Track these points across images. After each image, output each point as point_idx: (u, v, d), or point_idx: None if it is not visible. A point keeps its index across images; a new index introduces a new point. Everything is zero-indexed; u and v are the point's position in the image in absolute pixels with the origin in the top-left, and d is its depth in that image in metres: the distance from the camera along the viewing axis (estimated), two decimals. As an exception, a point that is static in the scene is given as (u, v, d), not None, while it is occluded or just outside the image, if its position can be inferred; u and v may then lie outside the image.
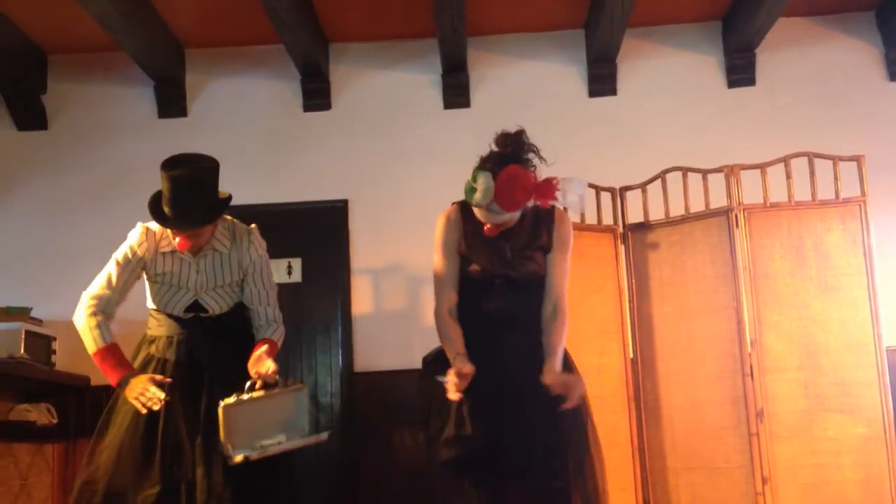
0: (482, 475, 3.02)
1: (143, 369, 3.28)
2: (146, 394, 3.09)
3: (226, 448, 3.04)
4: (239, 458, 3.03)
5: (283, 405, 3.17)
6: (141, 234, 3.34)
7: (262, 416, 3.11)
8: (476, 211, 3.08)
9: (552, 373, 3.03)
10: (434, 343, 3.25)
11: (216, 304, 3.32)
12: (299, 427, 3.18)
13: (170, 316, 3.33)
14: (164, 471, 3.11)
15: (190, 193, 3.15)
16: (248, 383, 3.13)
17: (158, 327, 3.35)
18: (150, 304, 3.38)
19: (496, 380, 3.04)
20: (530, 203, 3.05)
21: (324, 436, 3.26)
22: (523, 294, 3.14)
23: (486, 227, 3.08)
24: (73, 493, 3.22)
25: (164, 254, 3.32)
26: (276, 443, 3.11)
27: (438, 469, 3.05)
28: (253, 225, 3.49)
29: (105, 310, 3.31)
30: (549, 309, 3.17)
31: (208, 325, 3.30)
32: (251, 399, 3.10)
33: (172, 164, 3.16)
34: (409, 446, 3.28)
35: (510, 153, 3.03)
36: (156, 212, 3.21)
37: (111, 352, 3.24)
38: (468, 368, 2.90)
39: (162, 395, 3.10)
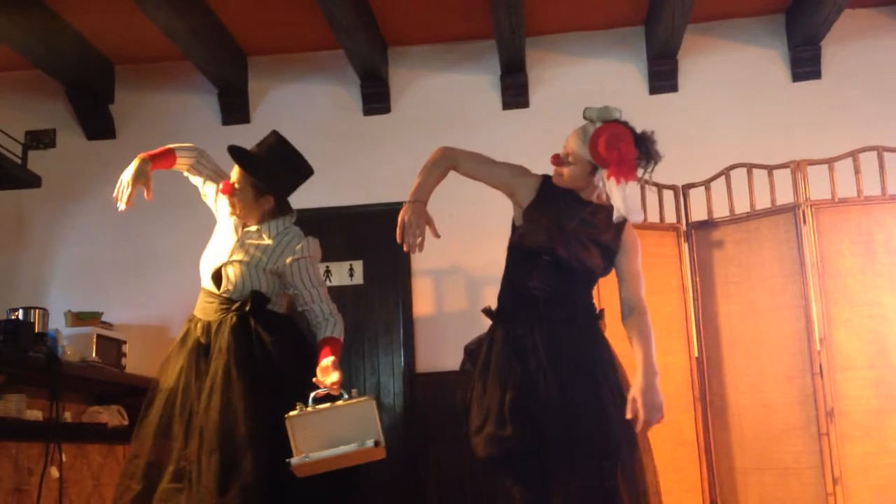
0: (524, 475, 2.96)
1: (182, 340, 3.35)
2: (128, 178, 3.28)
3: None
4: (288, 466, 3.02)
5: (349, 418, 3.09)
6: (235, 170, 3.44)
7: (327, 427, 3.05)
8: (572, 133, 3.05)
9: (642, 390, 2.94)
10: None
11: (233, 279, 3.30)
12: (368, 440, 3.07)
13: (204, 293, 3.38)
14: (180, 449, 3.16)
15: (272, 154, 3.31)
16: (312, 394, 3.11)
17: (197, 308, 3.41)
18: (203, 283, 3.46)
19: (540, 375, 2.97)
20: (604, 175, 2.97)
21: (369, 443, 3.05)
22: (567, 279, 3.06)
23: (553, 156, 3.06)
24: (123, 466, 3.34)
25: (226, 208, 3.40)
26: (327, 454, 3.03)
27: (479, 461, 3.01)
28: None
29: (198, 158, 3.47)
30: (625, 312, 3.12)
31: (226, 309, 3.29)
32: (315, 410, 3.07)
33: (283, 137, 3.39)
34: (471, 445, 3.30)
35: (638, 133, 3.04)
36: (237, 146, 3.33)
37: (169, 153, 3.42)
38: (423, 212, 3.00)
39: (125, 195, 3.26)
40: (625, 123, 3.02)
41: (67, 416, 4.75)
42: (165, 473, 3.14)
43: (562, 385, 2.96)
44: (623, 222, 3.12)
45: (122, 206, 3.30)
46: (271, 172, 3.32)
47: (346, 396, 3.12)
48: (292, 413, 3.05)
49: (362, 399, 3.12)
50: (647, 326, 3.08)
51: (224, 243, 3.37)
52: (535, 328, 3.02)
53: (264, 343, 3.24)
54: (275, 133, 3.38)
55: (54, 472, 4.37)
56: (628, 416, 2.94)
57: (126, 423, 5.16)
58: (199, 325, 3.34)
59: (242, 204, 3.34)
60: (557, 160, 3.08)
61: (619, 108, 3.05)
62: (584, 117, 3.05)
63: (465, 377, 3.13)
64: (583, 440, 2.91)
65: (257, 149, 3.35)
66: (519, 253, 3.12)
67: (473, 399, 3.03)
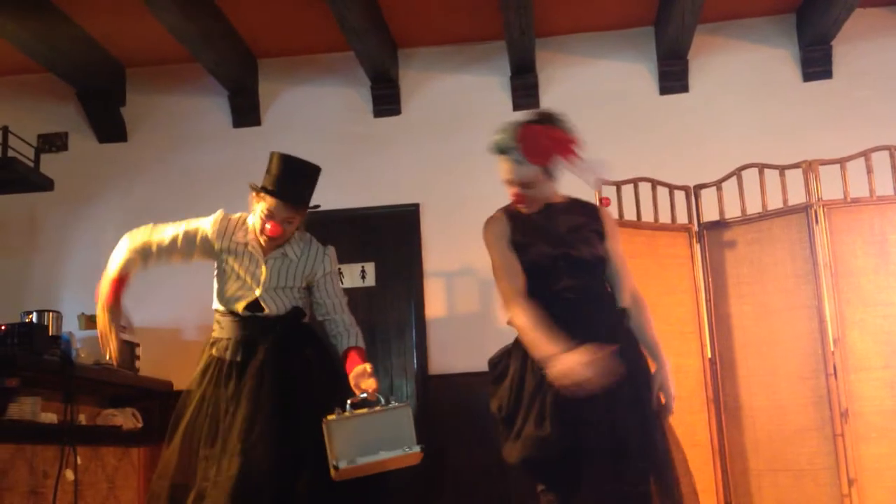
0: (558, 477, 2.95)
1: (203, 372, 3.36)
2: (105, 336, 3.34)
3: (329, 462, 3.07)
4: (335, 469, 3.04)
5: (385, 424, 3.14)
6: (217, 217, 3.45)
7: (364, 432, 3.09)
8: (502, 167, 3.07)
9: (667, 376, 3.09)
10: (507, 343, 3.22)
11: (274, 305, 3.35)
12: (402, 446, 3.13)
13: (231, 315, 3.38)
14: (204, 470, 3.17)
15: (299, 176, 3.32)
16: (349, 400, 3.14)
17: (221, 330, 3.41)
18: (216, 305, 3.45)
19: None
20: (555, 162, 3.02)
21: (416, 449, 3.13)
22: (588, 275, 3.06)
23: (511, 192, 3.08)
24: (150, 487, 3.38)
25: (237, 243, 3.40)
26: (375, 458, 3.08)
27: (512, 466, 2.98)
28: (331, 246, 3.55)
29: (144, 259, 3.49)
30: (629, 300, 3.13)
31: (266, 326, 3.33)
32: (353, 415, 3.11)
33: (285, 153, 3.39)
34: (485, 447, 3.28)
35: (542, 117, 3.06)
36: (263, 188, 3.33)
37: (120, 282, 3.46)
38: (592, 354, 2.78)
39: (113, 349, 3.32)
40: (523, 123, 3.04)
41: (82, 418, 4.77)
42: (189, 494, 3.16)
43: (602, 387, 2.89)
44: (596, 209, 3.19)
45: (113, 359, 3.42)
46: (305, 193, 3.36)
47: (382, 402, 3.17)
48: (331, 417, 3.08)
49: (400, 405, 3.18)
50: (650, 316, 3.15)
51: (254, 272, 3.38)
52: (565, 328, 2.95)
53: (303, 355, 3.31)
54: (278, 154, 3.36)
55: (69, 474, 4.39)
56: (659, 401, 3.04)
57: (140, 425, 5.19)
58: (229, 344, 3.34)
59: (291, 232, 3.39)
60: (520, 196, 3.09)
61: (510, 122, 3.07)
62: (498, 151, 3.07)
63: (497, 388, 3.09)
64: (625, 444, 2.89)
65: (281, 176, 3.30)
66: (534, 267, 3.09)
67: (523, 404, 2.98)
